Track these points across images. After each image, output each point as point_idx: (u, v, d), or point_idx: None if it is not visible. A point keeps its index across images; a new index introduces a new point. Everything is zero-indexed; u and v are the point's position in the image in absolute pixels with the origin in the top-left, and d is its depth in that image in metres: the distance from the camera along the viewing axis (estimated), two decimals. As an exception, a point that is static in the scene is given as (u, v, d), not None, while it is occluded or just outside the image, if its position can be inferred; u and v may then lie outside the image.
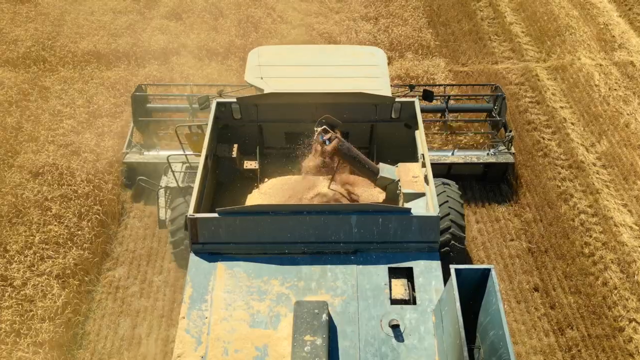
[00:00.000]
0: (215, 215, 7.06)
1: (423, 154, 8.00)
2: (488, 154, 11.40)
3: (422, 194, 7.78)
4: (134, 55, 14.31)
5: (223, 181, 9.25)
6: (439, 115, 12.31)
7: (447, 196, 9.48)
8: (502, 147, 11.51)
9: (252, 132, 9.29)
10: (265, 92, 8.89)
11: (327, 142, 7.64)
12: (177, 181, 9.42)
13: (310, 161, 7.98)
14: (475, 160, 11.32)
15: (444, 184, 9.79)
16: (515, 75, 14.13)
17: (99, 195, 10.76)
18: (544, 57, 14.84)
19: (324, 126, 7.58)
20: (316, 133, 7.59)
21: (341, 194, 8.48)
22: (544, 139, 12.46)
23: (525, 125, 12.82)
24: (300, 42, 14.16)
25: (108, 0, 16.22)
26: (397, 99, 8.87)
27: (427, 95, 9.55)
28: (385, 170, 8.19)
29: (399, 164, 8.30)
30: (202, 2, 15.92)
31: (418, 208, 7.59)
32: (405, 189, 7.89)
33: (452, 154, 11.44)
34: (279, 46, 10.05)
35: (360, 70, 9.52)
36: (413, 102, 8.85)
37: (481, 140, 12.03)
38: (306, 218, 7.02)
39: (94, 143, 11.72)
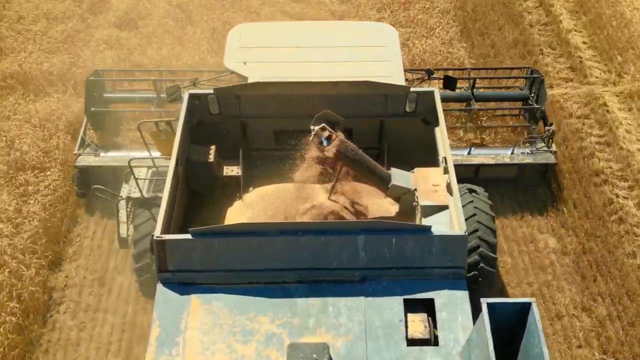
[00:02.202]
0: (188, 236, 7.02)
1: (445, 158, 8.01)
2: (523, 152, 11.41)
3: (445, 207, 7.76)
4: (72, 79, 13.03)
5: (198, 191, 9.27)
6: (464, 105, 12.35)
7: (475, 208, 9.47)
8: (540, 144, 11.58)
9: (233, 131, 9.32)
10: (249, 80, 8.96)
11: (327, 144, 7.65)
12: (140, 191, 9.45)
13: (306, 166, 8.01)
14: (508, 160, 11.34)
15: (470, 191, 9.82)
16: (577, 105, 12.50)
17: (16, 286, 9.43)
18: (613, 79, 13.02)
19: (323, 124, 7.57)
20: (313, 132, 7.58)
21: (344, 206, 8.50)
22: (617, 196, 10.79)
23: (592, 176, 11.25)
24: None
25: (41, 2, 14.98)
26: (412, 89, 8.91)
27: (449, 83, 9.62)
28: (399, 177, 8.19)
29: (416, 170, 8.31)
30: (164, 5, 15.12)
31: (440, 225, 7.55)
32: (423, 200, 7.88)
33: (479, 152, 11.47)
34: (266, 23, 10.35)
35: (366, 52, 9.59)
36: (432, 93, 8.86)
37: (520, 135, 11.96)
38: (301, 239, 6.99)
39: (13, 208, 10.36)
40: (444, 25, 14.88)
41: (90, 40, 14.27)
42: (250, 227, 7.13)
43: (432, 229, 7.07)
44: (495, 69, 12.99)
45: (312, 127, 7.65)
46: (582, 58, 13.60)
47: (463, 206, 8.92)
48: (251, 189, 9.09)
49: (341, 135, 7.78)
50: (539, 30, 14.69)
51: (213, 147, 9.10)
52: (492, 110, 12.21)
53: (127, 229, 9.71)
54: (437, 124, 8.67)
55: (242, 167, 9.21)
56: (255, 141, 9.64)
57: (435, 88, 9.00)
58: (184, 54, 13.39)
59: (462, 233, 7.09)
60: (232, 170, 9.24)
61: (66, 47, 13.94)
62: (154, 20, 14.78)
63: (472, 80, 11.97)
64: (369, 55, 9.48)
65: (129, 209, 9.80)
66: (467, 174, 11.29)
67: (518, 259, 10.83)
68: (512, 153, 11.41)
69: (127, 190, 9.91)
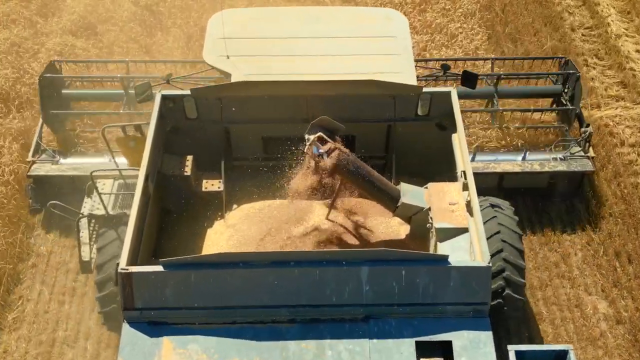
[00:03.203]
0: (159, 268, 6.91)
1: (464, 172, 7.94)
2: (556, 158, 11.38)
3: (464, 230, 7.71)
4: (16, 97, 12.51)
5: (172, 210, 9.20)
6: (485, 103, 12.26)
7: (499, 224, 9.36)
8: (575, 149, 11.49)
9: (214, 138, 9.29)
10: (232, 78, 8.87)
11: (325, 156, 7.58)
12: (105, 207, 9.36)
13: (301, 180, 7.96)
14: (537, 168, 11.29)
15: (493, 206, 9.71)
16: (630, 130, 12.03)
17: None
18: (674, 98, 12.71)
19: (320, 133, 7.51)
20: (308, 143, 7.54)
21: (345, 228, 8.50)
22: None
23: None
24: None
25: (-20, 1, 14.61)
26: (425, 89, 8.85)
27: (469, 79, 9.51)
28: (409, 194, 8.15)
29: (429, 185, 8.26)
30: (129, 6, 14.85)
31: (458, 252, 7.53)
32: (438, 222, 7.82)
33: (505, 158, 11.44)
34: (254, 9, 10.25)
35: (371, 44, 9.48)
36: (449, 94, 8.83)
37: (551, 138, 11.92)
38: (294, 271, 6.88)
39: None
40: (468, 32, 14.46)
41: (39, 51, 13.79)
42: (233, 257, 7.00)
43: (450, 259, 6.98)
44: (522, 58, 12.92)
45: (306, 137, 7.59)
46: (635, 70, 13.09)
47: (485, 222, 8.94)
48: (235, 206, 9.07)
49: (341, 146, 7.73)
50: (583, 35, 14.25)
51: (190, 158, 9.03)
52: (519, 111, 12.21)
53: (90, 251, 9.59)
54: (454, 129, 8.61)
55: (224, 181, 9.14)
56: (240, 150, 9.59)
57: (452, 87, 8.95)
58: (153, 69, 12.84)
59: (486, 263, 6.97)
60: (213, 185, 9.16)
61: (10, 60, 13.38)
62: (117, 26, 14.57)
63: (496, 76, 11.91)
64: (374, 47, 9.38)
65: (91, 228, 9.70)
66: (489, 184, 11.24)
67: (560, 328, 10.15)
68: (543, 159, 11.40)
69: (90, 205, 9.77)
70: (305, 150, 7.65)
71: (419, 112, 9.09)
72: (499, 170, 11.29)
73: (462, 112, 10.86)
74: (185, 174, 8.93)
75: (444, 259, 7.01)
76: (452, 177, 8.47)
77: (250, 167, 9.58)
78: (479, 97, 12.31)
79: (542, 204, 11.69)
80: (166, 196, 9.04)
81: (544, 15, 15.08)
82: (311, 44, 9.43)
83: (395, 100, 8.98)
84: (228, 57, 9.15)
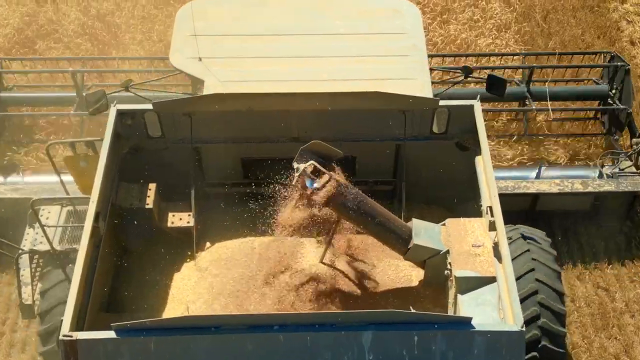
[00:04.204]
0: (111, 334, 6.66)
1: (490, 207, 7.74)
2: (601, 175, 11.28)
3: (491, 280, 7.53)
4: None
5: (131, 249, 9.07)
6: (516, 105, 12.34)
7: (533, 260, 9.23)
8: (625, 163, 11.44)
9: (182, 161, 9.12)
10: (206, 86, 8.71)
11: (316, 188, 7.36)
12: (49, 241, 9.26)
13: (289, 214, 7.77)
14: (579, 187, 11.10)
15: (525, 238, 9.55)
16: None
17: None
18: None
19: (312, 162, 7.31)
20: (297, 174, 7.33)
21: (343, 273, 8.37)
22: None
23: None
24: None
25: None
26: (442, 102, 8.65)
27: (495, 85, 9.24)
28: (423, 233, 8.00)
29: (448, 221, 8.13)
30: (78, 16, 14.60)
31: (483, 307, 7.40)
32: (459, 269, 7.65)
33: (538, 175, 11.46)
34: None
35: (377, 42, 9.30)
36: (471, 108, 8.64)
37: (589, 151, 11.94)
38: (279, 337, 6.66)
39: None
40: (501, 48, 14.26)
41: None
42: (202, 320, 6.82)
43: (474, 321, 6.74)
44: (559, 54, 12.97)
45: (295, 166, 7.37)
46: None
47: (515, 258, 9.03)
48: (208, 245, 8.97)
49: (338, 175, 7.51)
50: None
51: (152, 187, 8.90)
52: (556, 111, 12.16)
53: (33, 293, 9.48)
54: (478, 150, 8.45)
55: (194, 213, 9.03)
56: (214, 174, 9.48)
57: (476, 101, 8.75)
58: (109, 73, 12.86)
59: (518, 327, 6.73)
60: (181, 219, 9.04)
61: None
62: (62, 41, 14.32)
63: (527, 71, 12.02)
64: (379, 47, 9.19)
65: (34, 266, 9.57)
66: (520, 206, 11.13)
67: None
68: (585, 176, 11.29)
69: (32, 238, 9.66)
70: (293, 183, 7.44)
71: (435, 130, 8.97)
72: (532, 190, 11.14)
73: (486, 112, 11.16)
74: (147, 206, 8.79)
75: (466, 321, 6.74)
76: (475, 210, 8.37)
77: (226, 195, 9.52)
78: (509, 100, 12.30)
79: (585, 231, 11.65)
80: (123, 234, 8.93)
81: (597, 25, 14.93)
82: (303, 43, 9.28)
83: (406, 115, 8.81)
84: (200, 59, 8.97)
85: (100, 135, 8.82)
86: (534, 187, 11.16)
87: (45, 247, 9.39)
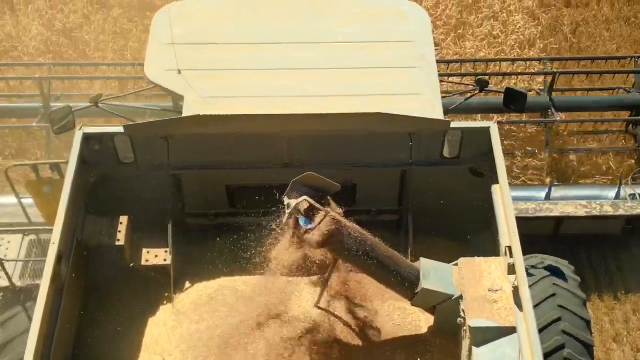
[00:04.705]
0: None
1: (510, 248, 7.50)
2: (634, 195, 11.21)
3: (511, 331, 7.26)
4: None
5: (100, 291, 8.82)
6: (538, 116, 12.43)
7: (559, 307, 9.09)
8: None
9: (158, 189, 8.88)
10: (186, 105, 8.48)
11: (310, 226, 7.11)
12: (8, 277, 9.28)
13: (281, 253, 7.54)
14: (609, 210, 11.02)
15: (551, 271, 9.44)
16: None
17: None
18: None
19: (305, 197, 7.01)
20: (288, 211, 7.04)
21: (342, 320, 8.15)
22: None
23: None
24: None
25: None
26: (454, 124, 8.43)
27: (515, 99, 9.09)
28: (432, 274, 7.76)
29: (461, 261, 7.90)
30: (41, 31, 14.36)
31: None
32: (474, 317, 7.36)
33: (562, 195, 11.42)
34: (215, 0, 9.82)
35: (380, 53, 9.08)
36: (487, 130, 8.36)
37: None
38: None
39: None
40: (525, 68, 13.86)
41: None
42: None
43: None
44: (585, 58, 12.88)
45: (286, 201, 7.09)
46: None
47: (538, 305, 9.01)
48: (188, 285, 8.81)
49: (335, 211, 7.19)
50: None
51: (124, 220, 8.68)
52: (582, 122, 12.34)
53: None
54: (495, 178, 8.17)
55: (172, 249, 8.80)
56: (195, 204, 9.32)
57: (493, 123, 8.49)
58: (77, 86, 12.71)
59: None
60: (157, 257, 8.79)
61: None
62: (21, 60, 14.00)
63: (550, 77, 12.08)
64: (384, 57, 9.00)
65: None
66: (542, 230, 11.09)
67: None
68: (616, 197, 11.30)
69: None
70: (284, 221, 7.18)
71: (446, 154, 8.71)
72: (555, 213, 11.01)
73: (502, 125, 11.31)
74: (118, 243, 8.55)
75: None
76: (492, 248, 8.17)
77: (209, 227, 9.35)
78: (530, 110, 12.38)
79: (615, 258, 11.57)
80: (91, 272, 8.70)
81: (634, 39, 14.71)
82: (297, 53, 9.07)
83: (412, 138, 8.56)
84: (179, 71, 8.74)
85: (69, 154, 8.58)
86: (558, 210, 11.04)
87: (4, 282, 9.29)
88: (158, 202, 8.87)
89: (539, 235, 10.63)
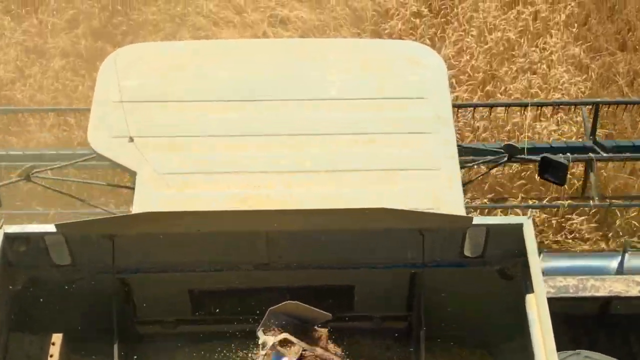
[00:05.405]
0: None
1: None
2: None
3: None
4: None
5: None
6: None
7: None
8: None
9: (102, 296, 8.41)
10: (137, 197, 8.08)
11: None
12: None
13: None
14: None
15: None
16: None
17: None
18: None
19: (284, 335, 6.72)
20: (262, 351, 6.76)
21: None
22: None
23: None
24: None
25: None
26: (477, 220, 7.97)
27: (553, 170, 8.83)
28: None
29: None
30: None
31: None
32: None
33: (608, 265, 11.06)
34: (178, 43, 9.88)
35: (384, 114, 8.68)
36: (519, 227, 7.83)
37: None
38: None
39: None
40: (570, 135, 13.18)
41: None
42: None
43: None
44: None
45: (259, 337, 6.79)
46: None
47: None
48: None
49: (323, 349, 6.89)
50: None
51: (57, 338, 8.06)
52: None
53: None
54: (529, 285, 7.69)
55: None
56: (149, 311, 8.75)
57: (528, 218, 7.99)
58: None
59: None
60: None
61: None
62: None
63: (593, 115, 11.90)
64: (389, 119, 8.56)
65: None
66: (585, 310, 10.69)
67: None
68: None
69: None
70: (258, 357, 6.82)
71: (467, 252, 8.19)
72: (603, 292, 10.50)
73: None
74: None
75: None
76: (524, 354, 7.72)
77: (168, 336, 8.75)
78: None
79: None
80: None
81: None
82: (281, 114, 8.61)
83: (423, 236, 8.05)
84: (131, 139, 8.27)
85: None
86: (605, 288, 10.47)
87: None
88: (100, 311, 8.35)
89: (582, 315, 10.42)
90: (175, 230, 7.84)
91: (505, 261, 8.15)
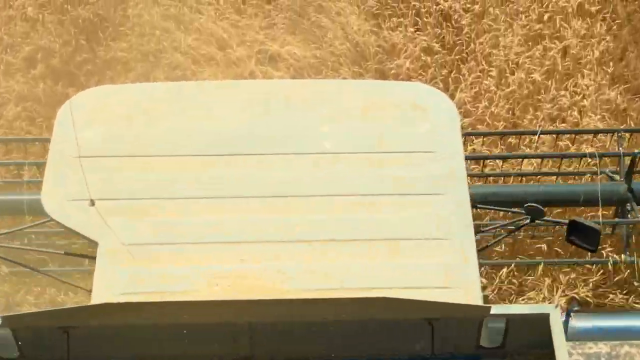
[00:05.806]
0: None
1: None
2: None
3: None
4: None
5: None
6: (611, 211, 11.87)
7: None
8: None
9: None
10: (101, 248, 7.79)
11: None
12: None
13: None
14: None
15: None
16: None
17: None
18: None
19: None
20: None
21: None
22: None
23: None
24: None
25: None
26: (497, 308, 7.64)
27: (582, 235, 8.46)
28: None
29: None
30: None
31: None
32: None
33: None
34: (144, 85, 9.52)
35: (386, 172, 8.32)
36: (546, 317, 7.53)
37: None
38: None
39: None
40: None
41: None
42: None
43: None
44: None
45: None
46: None
47: None
48: None
49: None
50: None
51: None
52: None
53: None
54: None
55: None
56: None
57: (555, 307, 7.65)
58: None
59: None
60: None
61: None
62: None
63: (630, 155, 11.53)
64: (393, 178, 8.18)
65: None
66: None
67: None
68: None
69: None
70: None
71: (484, 343, 7.78)
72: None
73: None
74: None
75: None
76: None
77: None
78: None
79: None
80: None
81: None
82: (264, 169, 8.22)
83: (433, 326, 7.65)
84: (92, 202, 7.88)
85: None
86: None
87: None
88: None
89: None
90: (141, 323, 7.42)
91: (528, 352, 7.81)
